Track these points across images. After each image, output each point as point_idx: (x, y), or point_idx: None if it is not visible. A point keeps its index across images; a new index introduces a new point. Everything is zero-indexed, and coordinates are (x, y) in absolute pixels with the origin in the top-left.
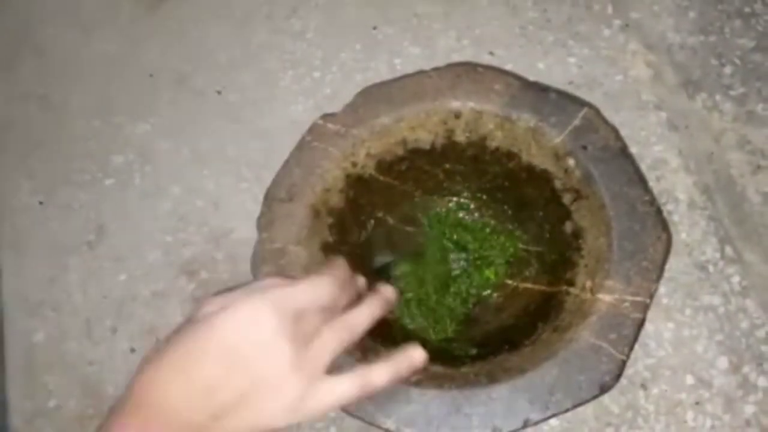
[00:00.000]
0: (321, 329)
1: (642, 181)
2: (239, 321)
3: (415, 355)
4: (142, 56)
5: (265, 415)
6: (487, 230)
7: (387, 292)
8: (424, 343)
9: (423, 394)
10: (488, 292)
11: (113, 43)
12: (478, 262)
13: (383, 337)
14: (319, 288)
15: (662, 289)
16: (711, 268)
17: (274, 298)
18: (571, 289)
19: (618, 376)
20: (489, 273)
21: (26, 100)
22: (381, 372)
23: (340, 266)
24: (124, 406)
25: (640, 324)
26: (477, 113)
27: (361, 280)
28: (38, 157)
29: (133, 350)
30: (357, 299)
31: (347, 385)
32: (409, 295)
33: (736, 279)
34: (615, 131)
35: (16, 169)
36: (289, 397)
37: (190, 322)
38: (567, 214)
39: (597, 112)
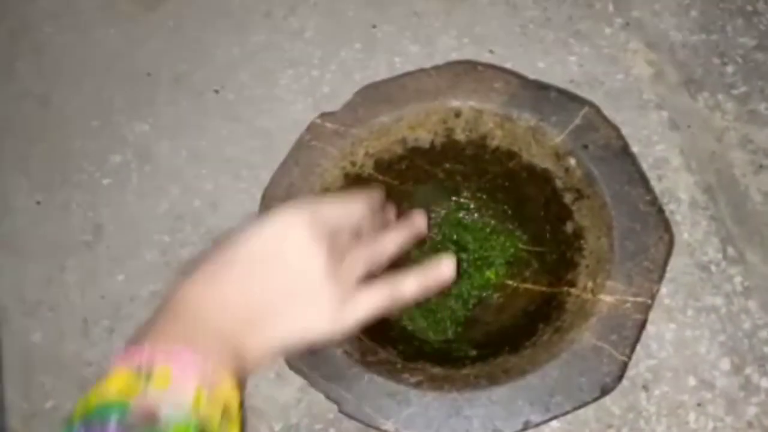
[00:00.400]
0: (352, 246)
1: (643, 180)
2: (275, 228)
3: (443, 267)
4: (140, 55)
5: (301, 322)
6: (487, 230)
7: (417, 219)
8: (424, 344)
9: (422, 396)
10: (489, 292)
11: (111, 43)
12: (479, 263)
13: (383, 337)
14: (352, 207)
15: (664, 289)
16: (713, 269)
17: (309, 209)
18: (572, 290)
19: (619, 378)
20: (490, 273)
21: (24, 99)
22: (410, 281)
23: (374, 193)
24: (160, 317)
25: (642, 325)
26: (477, 112)
27: (392, 211)
28: (36, 157)
29: None
30: (387, 227)
31: (380, 294)
32: None
33: (738, 279)
34: (616, 130)
35: (14, 168)
36: (325, 305)
37: (225, 236)
38: (568, 214)
39: (598, 110)
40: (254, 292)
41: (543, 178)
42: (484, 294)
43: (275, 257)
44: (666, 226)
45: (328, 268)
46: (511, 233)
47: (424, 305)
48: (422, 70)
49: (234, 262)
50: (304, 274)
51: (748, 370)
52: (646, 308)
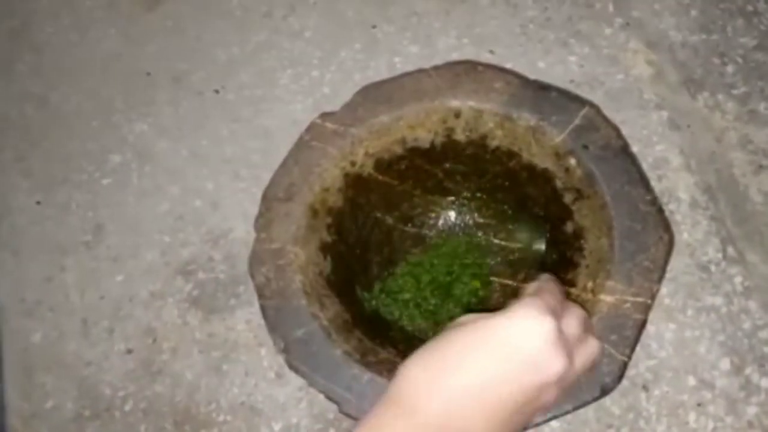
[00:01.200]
0: (578, 346)
1: (644, 180)
2: (523, 323)
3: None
4: (140, 55)
5: (525, 419)
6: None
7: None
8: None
9: None
10: (486, 294)
11: (111, 42)
12: (471, 270)
13: (382, 338)
14: (559, 288)
15: (664, 289)
16: (713, 269)
17: (549, 314)
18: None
19: (619, 378)
20: (475, 283)
21: (24, 99)
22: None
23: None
24: (381, 404)
25: (642, 325)
26: (477, 112)
27: None
28: (36, 157)
29: (129, 351)
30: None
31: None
32: (407, 296)
33: (738, 279)
34: (616, 130)
35: (14, 168)
36: (544, 407)
37: (454, 328)
38: (568, 214)
39: (598, 110)
40: (492, 391)
41: (543, 177)
42: (480, 297)
43: (520, 352)
44: (666, 226)
45: (563, 371)
46: (511, 233)
47: (424, 306)
48: (422, 70)
49: (474, 354)
50: (543, 375)
51: (748, 370)
52: (646, 308)
